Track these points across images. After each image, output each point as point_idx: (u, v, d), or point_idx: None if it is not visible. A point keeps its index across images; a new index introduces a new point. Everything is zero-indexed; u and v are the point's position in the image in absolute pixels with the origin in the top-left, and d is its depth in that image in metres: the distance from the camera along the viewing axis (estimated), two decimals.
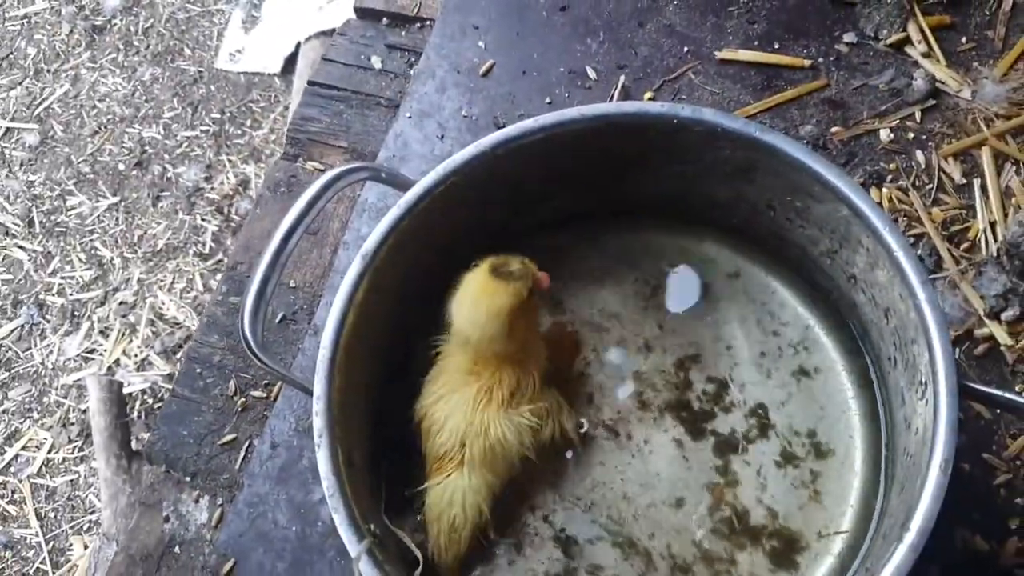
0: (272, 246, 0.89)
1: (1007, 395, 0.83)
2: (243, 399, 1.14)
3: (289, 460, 1.08)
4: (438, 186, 0.93)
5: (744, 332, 1.01)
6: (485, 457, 0.92)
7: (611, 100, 1.22)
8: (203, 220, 2.27)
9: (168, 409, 1.15)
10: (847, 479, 0.94)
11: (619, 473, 0.97)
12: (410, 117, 1.25)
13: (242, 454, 1.12)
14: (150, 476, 1.13)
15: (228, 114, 2.41)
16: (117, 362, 2.11)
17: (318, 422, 0.84)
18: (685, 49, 1.24)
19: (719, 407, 0.99)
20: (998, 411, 1.02)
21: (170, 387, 1.17)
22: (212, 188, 2.31)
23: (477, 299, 0.90)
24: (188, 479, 1.11)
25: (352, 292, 0.90)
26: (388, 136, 1.24)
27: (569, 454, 0.98)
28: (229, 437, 1.13)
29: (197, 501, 1.11)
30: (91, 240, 2.27)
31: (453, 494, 0.92)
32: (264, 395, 1.14)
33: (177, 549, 1.09)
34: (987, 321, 1.05)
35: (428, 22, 1.33)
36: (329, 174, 0.92)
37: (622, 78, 1.23)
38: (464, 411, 0.92)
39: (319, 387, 0.86)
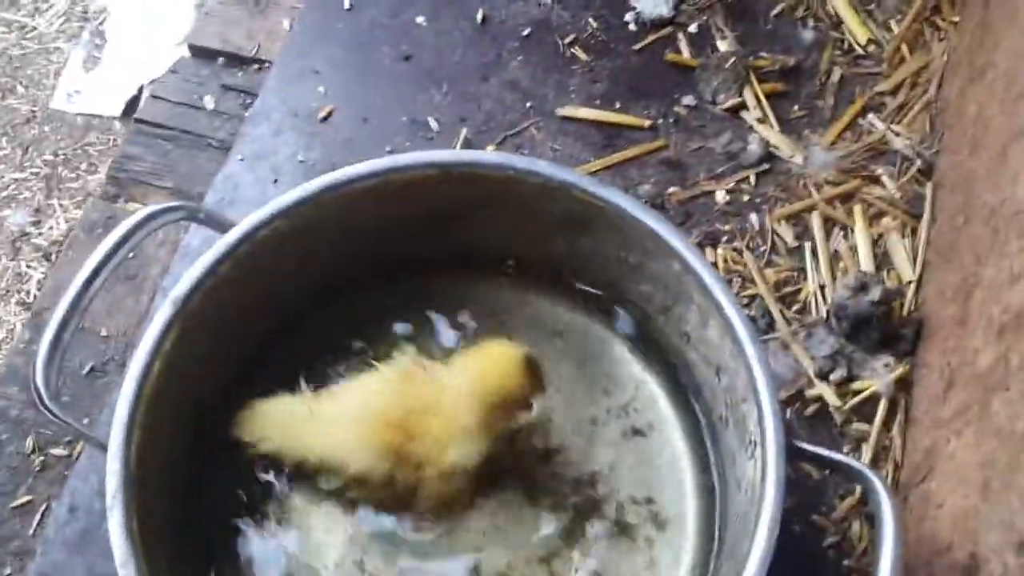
0: (72, 290, 0.83)
1: (834, 455, 0.83)
2: (41, 457, 1.05)
3: (90, 525, 0.99)
4: (260, 229, 0.88)
5: (570, 394, 0.98)
6: None
7: None
8: (28, 267, 2.12)
9: None
10: (681, 545, 0.92)
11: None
12: (242, 159, 1.19)
13: (37, 518, 1.02)
14: None
15: (62, 156, 2.27)
16: None
17: (112, 482, 0.77)
18: (528, 105, 1.23)
19: (552, 478, 0.95)
20: (827, 472, 1.02)
21: None
22: (40, 233, 2.17)
23: (489, 370, 0.87)
24: None
25: (159, 341, 0.83)
26: (217, 178, 1.17)
27: None
28: (23, 499, 1.03)
29: None
30: None
31: None
32: (66, 453, 1.05)
33: None
34: (816, 382, 1.06)
35: (266, 64, 1.29)
36: (141, 213, 0.86)
37: (464, 130, 1.21)
38: None
39: (114, 444, 0.78)
